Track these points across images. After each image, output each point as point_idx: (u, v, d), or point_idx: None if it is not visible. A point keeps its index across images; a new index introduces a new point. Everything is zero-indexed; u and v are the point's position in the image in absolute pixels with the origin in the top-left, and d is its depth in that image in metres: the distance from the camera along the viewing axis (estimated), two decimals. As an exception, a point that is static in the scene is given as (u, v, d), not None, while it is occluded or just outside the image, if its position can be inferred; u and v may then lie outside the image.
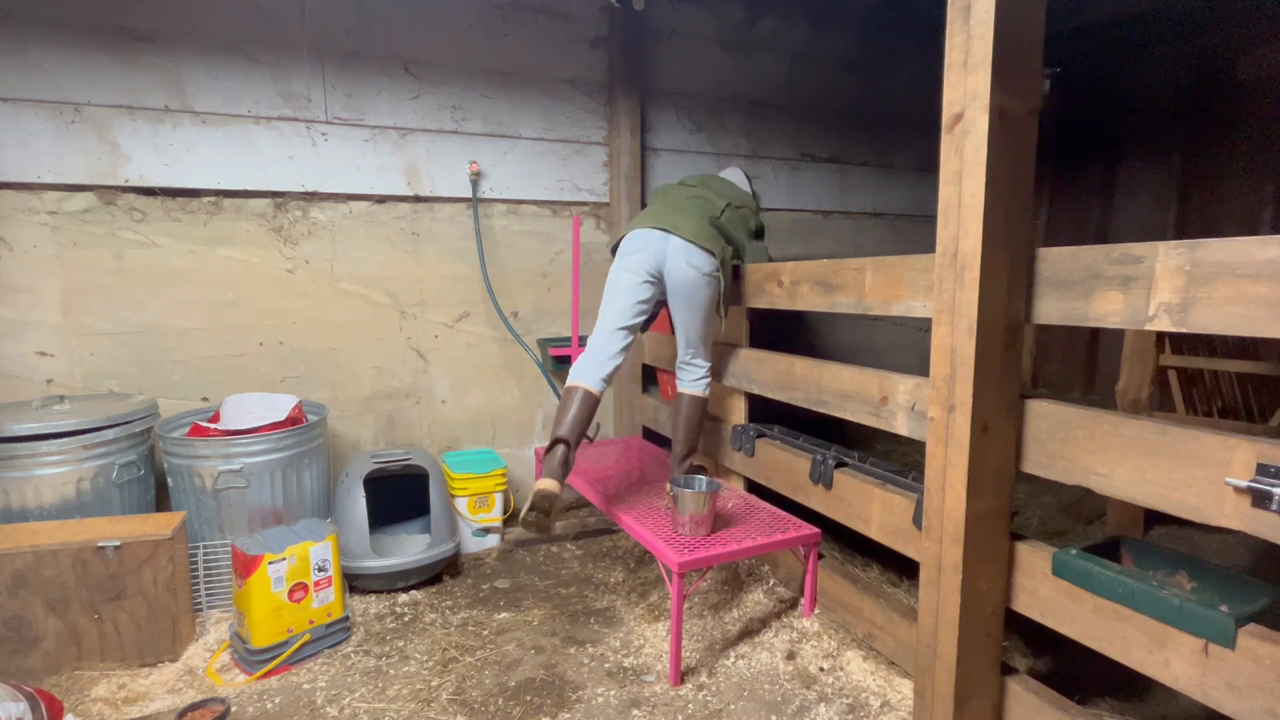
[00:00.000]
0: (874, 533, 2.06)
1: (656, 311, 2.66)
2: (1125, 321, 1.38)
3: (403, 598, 2.58)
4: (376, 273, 3.10)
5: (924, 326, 4.50)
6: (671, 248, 2.44)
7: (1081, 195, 4.90)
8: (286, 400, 2.67)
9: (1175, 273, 1.29)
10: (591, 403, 2.38)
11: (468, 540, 2.98)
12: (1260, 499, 1.17)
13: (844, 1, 3.96)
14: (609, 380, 2.44)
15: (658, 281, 2.49)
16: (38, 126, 2.53)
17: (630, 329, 2.48)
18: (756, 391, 2.61)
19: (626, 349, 2.48)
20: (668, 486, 2.40)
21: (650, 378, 3.68)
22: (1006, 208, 1.51)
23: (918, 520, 1.84)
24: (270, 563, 2.08)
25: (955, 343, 1.57)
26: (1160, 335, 3.00)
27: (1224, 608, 1.29)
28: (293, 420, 2.55)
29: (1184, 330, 1.29)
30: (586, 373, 2.40)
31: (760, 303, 2.57)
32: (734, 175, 2.98)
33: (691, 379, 2.66)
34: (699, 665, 2.14)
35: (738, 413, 2.83)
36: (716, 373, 2.75)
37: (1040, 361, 5.21)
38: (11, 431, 2.20)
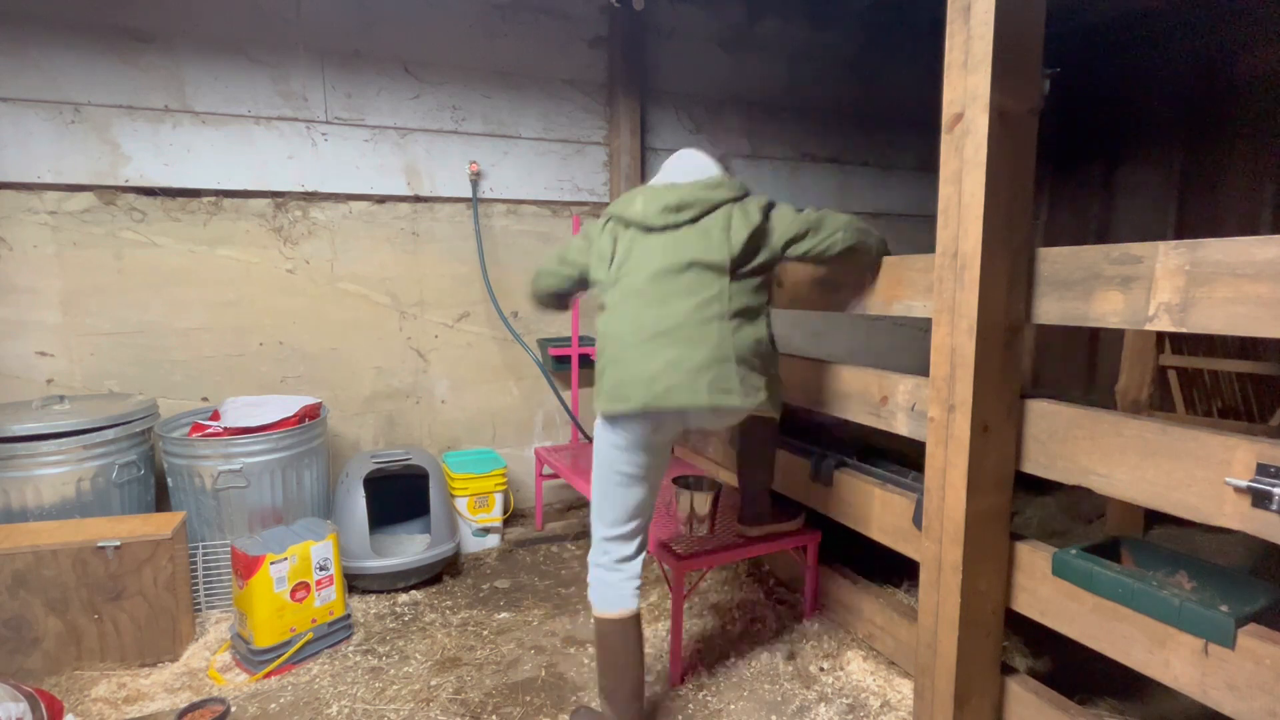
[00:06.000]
0: (874, 533, 2.07)
1: None
2: (1125, 321, 1.38)
3: (403, 598, 2.58)
4: (376, 273, 3.10)
5: (924, 326, 4.50)
6: (689, 420, 1.71)
7: (1081, 195, 4.89)
8: (298, 401, 2.66)
9: (1175, 273, 1.29)
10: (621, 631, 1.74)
11: (468, 540, 2.98)
12: (1260, 499, 1.18)
13: (844, 1, 3.95)
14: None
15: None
16: (38, 126, 2.53)
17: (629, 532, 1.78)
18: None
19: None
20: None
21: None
22: (1006, 208, 1.51)
23: (918, 520, 1.84)
24: (272, 563, 2.08)
25: (955, 343, 1.57)
26: (1160, 335, 3.00)
27: (1224, 608, 1.29)
28: (296, 418, 2.55)
29: (1184, 330, 1.29)
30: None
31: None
32: (689, 159, 1.83)
33: None
34: (699, 665, 2.14)
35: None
36: None
37: (1040, 361, 5.21)
38: (11, 431, 2.20)
